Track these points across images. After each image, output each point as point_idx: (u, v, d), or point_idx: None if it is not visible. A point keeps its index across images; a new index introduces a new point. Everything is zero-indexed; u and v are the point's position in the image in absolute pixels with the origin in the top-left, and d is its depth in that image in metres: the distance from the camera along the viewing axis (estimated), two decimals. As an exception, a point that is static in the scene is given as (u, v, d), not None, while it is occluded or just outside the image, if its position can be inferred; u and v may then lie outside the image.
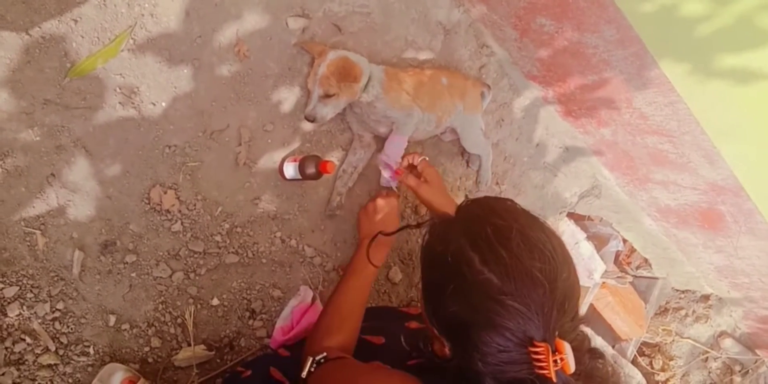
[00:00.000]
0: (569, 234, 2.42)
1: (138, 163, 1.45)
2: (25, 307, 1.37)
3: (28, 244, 1.36)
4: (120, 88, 1.39)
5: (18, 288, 1.36)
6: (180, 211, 1.51)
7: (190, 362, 1.54)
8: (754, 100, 1.52)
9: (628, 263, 2.70)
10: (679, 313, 2.79)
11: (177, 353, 1.53)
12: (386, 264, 1.89)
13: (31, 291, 1.37)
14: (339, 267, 1.78)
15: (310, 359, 1.18)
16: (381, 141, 1.72)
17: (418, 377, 1.01)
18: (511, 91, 2.06)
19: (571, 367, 0.88)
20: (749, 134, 1.64)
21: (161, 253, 1.51)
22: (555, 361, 0.86)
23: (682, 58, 1.53)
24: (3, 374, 1.34)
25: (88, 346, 1.44)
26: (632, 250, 2.68)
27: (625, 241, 2.59)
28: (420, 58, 1.82)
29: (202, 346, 1.56)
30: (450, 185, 2.02)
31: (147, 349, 1.51)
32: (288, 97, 1.61)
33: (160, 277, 1.51)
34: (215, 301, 1.59)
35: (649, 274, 2.70)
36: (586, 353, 0.99)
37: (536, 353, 0.87)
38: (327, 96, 1.52)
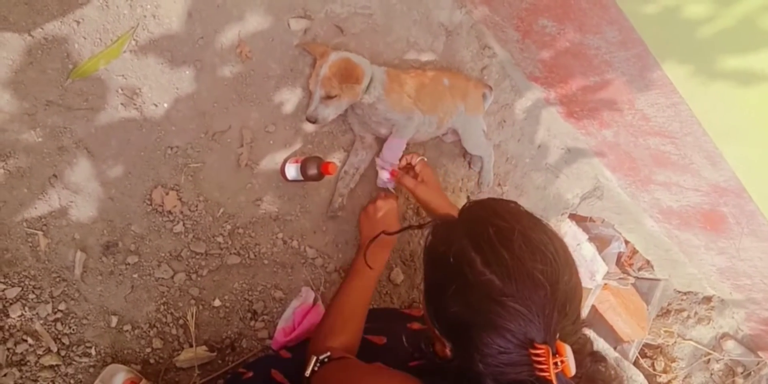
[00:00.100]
0: (571, 235, 2.42)
1: (140, 164, 1.45)
2: (27, 308, 1.37)
3: (30, 245, 1.37)
4: (122, 90, 1.40)
5: (20, 289, 1.36)
6: (182, 212, 1.51)
7: (191, 363, 1.54)
8: (757, 102, 1.51)
9: (630, 265, 2.70)
10: (681, 315, 2.79)
11: (179, 354, 1.53)
12: (388, 265, 1.89)
13: (33, 292, 1.38)
14: (341, 268, 1.78)
15: (314, 358, 1.18)
16: (382, 142, 1.72)
17: (420, 379, 1.01)
18: (512, 93, 2.06)
19: (572, 369, 0.88)
20: (751, 136, 1.63)
21: (163, 254, 1.51)
22: (555, 364, 0.86)
23: (684, 60, 1.53)
24: (5, 375, 1.34)
25: (90, 347, 1.44)
26: (634, 252, 2.68)
27: (627, 242, 2.58)
28: (422, 59, 1.82)
29: (204, 347, 1.56)
30: (452, 186, 2.02)
31: (149, 350, 1.51)
32: (290, 99, 1.61)
33: (162, 278, 1.51)
34: (217, 302, 1.59)
35: (651, 276, 2.70)
36: (587, 356, 0.99)
37: (537, 355, 0.87)
38: (329, 97, 1.52)
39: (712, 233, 2.16)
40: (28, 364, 1.37)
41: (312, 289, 1.71)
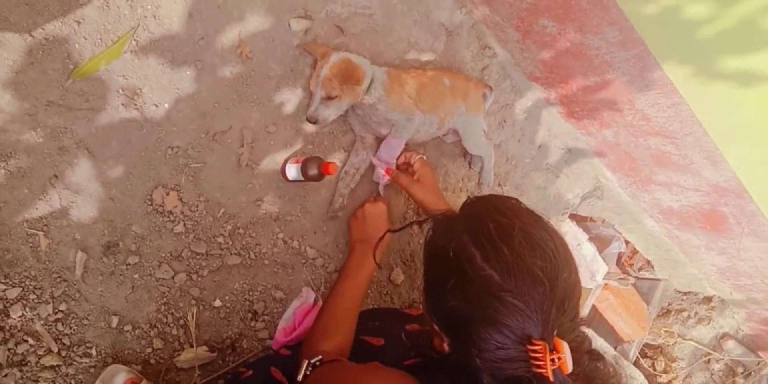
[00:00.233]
0: (571, 235, 2.42)
1: (140, 164, 1.45)
2: (27, 309, 1.37)
3: (31, 245, 1.37)
4: (123, 90, 1.40)
5: (21, 289, 1.36)
6: (182, 213, 1.51)
7: (192, 363, 1.54)
8: (757, 102, 1.51)
9: (631, 265, 2.70)
10: (682, 315, 2.79)
11: (179, 354, 1.53)
12: (388, 265, 1.89)
13: (34, 292, 1.38)
14: (341, 269, 1.78)
15: (306, 362, 1.18)
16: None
17: (415, 376, 1.01)
18: (513, 93, 2.06)
19: (569, 366, 0.88)
20: (752, 136, 1.63)
21: (164, 255, 1.51)
22: (552, 360, 0.87)
23: (685, 60, 1.53)
24: (6, 376, 1.34)
25: (91, 348, 1.44)
26: (634, 252, 2.68)
27: (627, 242, 2.58)
28: (422, 59, 1.82)
29: (205, 348, 1.56)
30: (452, 187, 2.02)
31: (149, 350, 1.51)
32: (290, 99, 1.61)
33: (163, 279, 1.51)
34: (217, 303, 1.59)
35: (651, 276, 2.70)
36: (585, 354, 0.99)
37: (534, 351, 0.87)
38: (329, 98, 1.52)
39: (713, 233, 2.16)
40: (29, 364, 1.37)
41: (312, 289, 1.71)
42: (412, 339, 1.30)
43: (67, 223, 1.40)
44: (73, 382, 1.42)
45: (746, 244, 2.10)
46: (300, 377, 1.17)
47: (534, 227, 0.98)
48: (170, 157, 1.48)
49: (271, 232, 1.65)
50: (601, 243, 2.46)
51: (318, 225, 1.73)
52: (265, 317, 1.66)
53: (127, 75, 1.39)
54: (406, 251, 1.92)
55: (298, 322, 1.61)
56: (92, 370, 1.44)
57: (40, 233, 1.37)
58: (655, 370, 2.73)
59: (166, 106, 1.45)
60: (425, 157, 1.72)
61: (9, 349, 1.36)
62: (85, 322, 1.44)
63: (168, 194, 1.49)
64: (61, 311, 1.41)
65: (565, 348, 0.88)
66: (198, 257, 1.55)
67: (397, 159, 1.72)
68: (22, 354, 1.37)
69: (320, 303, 1.68)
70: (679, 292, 2.80)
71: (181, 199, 1.51)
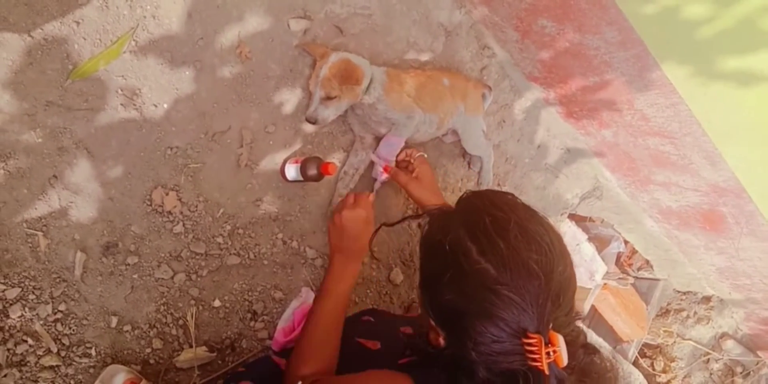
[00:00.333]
0: (571, 235, 2.42)
1: (140, 164, 1.45)
2: (27, 309, 1.37)
3: (30, 245, 1.37)
4: (122, 90, 1.40)
5: (20, 289, 1.36)
6: (182, 213, 1.51)
7: (191, 363, 1.54)
8: (756, 102, 1.52)
9: (630, 265, 2.70)
10: (681, 315, 2.79)
11: (178, 355, 1.53)
12: (388, 265, 1.89)
13: (33, 292, 1.37)
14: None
15: None
16: (382, 142, 1.72)
17: (410, 374, 1.01)
18: (512, 93, 2.06)
19: (564, 360, 0.88)
20: (751, 136, 1.64)
21: (163, 255, 1.51)
22: (548, 354, 0.87)
23: (684, 60, 1.53)
24: (5, 376, 1.34)
25: (90, 348, 1.44)
26: (633, 252, 2.68)
27: (626, 242, 2.59)
28: (421, 59, 1.83)
29: (204, 348, 1.56)
30: (451, 187, 2.02)
31: (149, 350, 1.51)
32: (290, 99, 1.61)
33: (162, 279, 1.51)
34: (217, 303, 1.59)
35: (650, 276, 2.70)
36: (580, 348, 0.99)
37: (529, 345, 0.88)
38: (329, 98, 1.52)
39: (712, 233, 2.17)
40: (28, 364, 1.37)
41: (312, 289, 1.71)
42: (407, 338, 1.30)
43: (67, 224, 1.40)
44: (72, 382, 1.42)
45: (745, 243, 2.10)
46: None
47: (530, 221, 0.99)
48: (169, 157, 1.48)
49: (270, 232, 1.65)
50: (600, 243, 2.46)
51: (317, 225, 1.74)
52: (265, 317, 1.66)
53: (126, 75, 1.39)
54: (405, 251, 1.93)
55: (298, 322, 1.61)
56: (91, 371, 1.44)
57: (40, 233, 1.37)
58: (654, 369, 2.73)
59: (165, 106, 1.45)
60: (425, 155, 1.72)
61: (8, 350, 1.35)
62: (85, 322, 1.44)
63: (167, 194, 1.49)
64: (61, 311, 1.41)
65: (560, 341, 0.89)
66: (197, 257, 1.55)
67: (397, 156, 1.71)
68: (22, 354, 1.36)
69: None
70: (678, 291, 2.80)
71: (180, 200, 1.51)
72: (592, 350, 1.02)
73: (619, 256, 2.59)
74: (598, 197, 2.40)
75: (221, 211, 1.57)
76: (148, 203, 1.47)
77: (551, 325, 0.92)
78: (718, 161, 1.75)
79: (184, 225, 1.52)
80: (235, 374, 1.45)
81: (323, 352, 1.29)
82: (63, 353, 1.41)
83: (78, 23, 1.32)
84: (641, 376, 2.51)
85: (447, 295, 0.95)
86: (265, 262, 1.65)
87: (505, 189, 2.17)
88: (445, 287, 0.95)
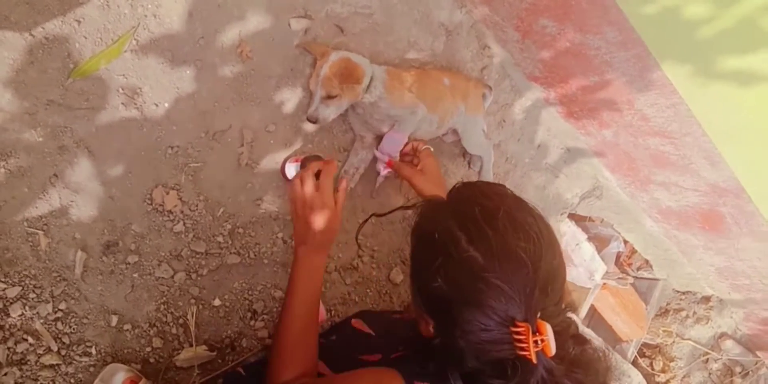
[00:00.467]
0: (570, 235, 2.42)
1: (140, 163, 1.45)
2: (27, 308, 1.37)
3: (31, 244, 1.37)
4: (123, 89, 1.40)
5: (20, 288, 1.36)
6: (182, 212, 1.51)
7: (191, 363, 1.54)
8: (756, 102, 1.52)
9: (629, 264, 2.70)
10: (680, 315, 2.79)
11: (179, 354, 1.53)
12: (387, 265, 1.89)
13: (34, 291, 1.38)
14: (340, 268, 1.78)
15: None
16: (383, 142, 1.72)
17: (400, 367, 1.02)
18: (512, 93, 2.06)
19: (552, 349, 0.89)
20: (751, 136, 1.64)
21: (163, 254, 1.51)
22: (536, 342, 0.87)
23: (684, 60, 1.53)
24: (5, 374, 1.34)
25: (90, 347, 1.44)
26: (633, 252, 2.68)
27: (626, 242, 2.58)
28: (422, 59, 1.83)
29: (204, 347, 1.56)
30: (452, 186, 2.02)
31: (149, 349, 1.51)
32: (290, 98, 1.62)
33: (162, 278, 1.51)
34: (217, 302, 1.59)
35: (649, 276, 2.70)
36: (570, 338, 1.00)
37: (517, 333, 0.88)
38: (329, 97, 1.52)
39: (711, 233, 2.17)
40: (29, 363, 1.37)
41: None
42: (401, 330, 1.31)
43: (67, 222, 1.40)
44: (72, 380, 1.42)
45: (744, 244, 2.11)
46: None
47: (519, 211, 1.00)
48: (170, 156, 1.48)
49: (270, 231, 1.66)
50: (599, 242, 2.46)
51: (317, 224, 1.73)
52: (265, 316, 1.66)
53: (127, 74, 1.39)
54: (405, 250, 1.93)
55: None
56: (92, 369, 1.44)
57: (40, 232, 1.37)
58: (653, 369, 2.73)
59: (166, 105, 1.45)
60: (431, 149, 1.71)
61: (9, 348, 1.36)
62: (85, 321, 1.44)
63: (168, 193, 1.49)
64: (61, 310, 1.41)
65: (548, 330, 0.89)
66: (197, 256, 1.55)
67: (402, 150, 1.71)
68: (22, 353, 1.37)
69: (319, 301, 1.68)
70: (678, 291, 2.80)
71: (180, 199, 1.51)
72: (582, 341, 1.02)
73: (618, 255, 2.59)
74: (597, 197, 2.40)
75: (222, 210, 1.57)
76: (149, 202, 1.47)
77: (540, 315, 0.92)
78: (718, 161, 1.75)
79: (184, 224, 1.52)
80: (233, 373, 1.46)
81: (302, 353, 1.25)
82: (63, 352, 1.41)
83: (79, 22, 1.32)
84: (640, 376, 2.51)
85: (436, 284, 0.96)
86: (266, 261, 1.65)
87: (505, 188, 2.17)
88: (435, 275, 0.96)
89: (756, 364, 2.80)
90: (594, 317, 2.65)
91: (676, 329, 2.80)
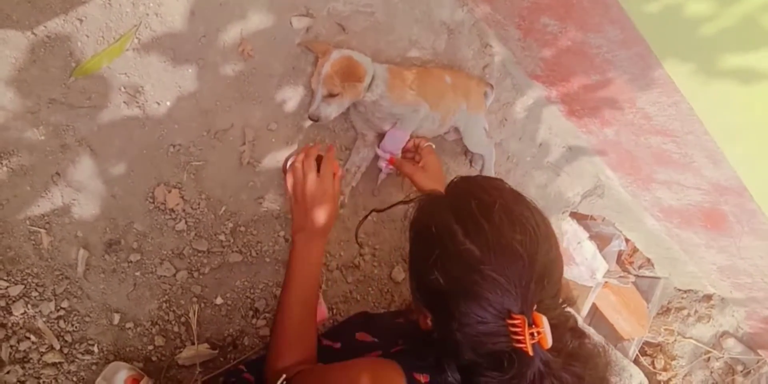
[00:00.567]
0: (572, 234, 2.42)
1: (142, 162, 1.45)
2: (29, 306, 1.37)
3: (33, 242, 1.37)
4: (125, 88, 1.40)
5: (23, 286, 1.36)
6: (184, 210, 1.52)
7: (193, 361, 1.54)
8: (759, 101, 1.52)
9: (631, 263, 2.70)
10: (682, 313, 2.79)
11: (181, 352, 1.54)
12: (389, 263, 1.90)
13: (36, 289, 1.38)
14: (342, 266, 1.79)
15: None
16: (385, 140, 1.72)
17: (399, 360, 1.02)
18: (514, 91, 2.06)
19: (548, 341, 0.89)
20: (753, 135, 1.64)
21: (165, 252, 1.51)
22: (532, 335, 0.88)
23: (686, 59, 1.53)
24: (8, 372, 1.35)
25: (93, 345, 1.44)
26: (634, 250, 2.68)
27: (627, 240, 2.58)
28: (423, 57, 1.82)
29: (206, 345, 1.57)
30: (452, 184, 2.02)
31: (151, 347, 1.51)
32: (292, 97, 1.62)
33: (164, 276, 1.51)
34: (219, 300, 1.59)
35: (651, 274, 2.70)
36: (567, 331, 1.00)
37: (513, 325, 0.89)
38: (331, 95, 1.52)
39: (713, 232, 2.17)
40: (31, 361, 1.38)
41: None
42: (400, 329, 1.31)
43: (69, 221, 1.40)
44: (74, 379, 1.42)
45: (746, 242, 2.10)
46: None
47: (515, 204, 1.01)
48: (172, 154, 1.48)
49: (272, 229, 1.66)
50: (601, 241, 2.46)
51: (319, 223, 1.74)
52: (267, 314, 1.66)
53: (129, 73, 1.39)
54: (407, 248, 1.92)
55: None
56: (94, 368, 1.44)
57: (42, 231, 1.37)
58: (654, 368, 2.73)
59: (167, 103, 1.45)
60: (433, 146, 1.71)
61: (11, 347, 1.36)
62: (87, 319, 1.44)
63: (170, 192, 1.49)
64: (63, 309, 1.41)
65: (544, 322, 0.90)
66: (199, 255, 1.55)
67: (404, 147, 1.71)
68: (24, 351, 1.37)
69: (321, 300, 1.68)
70: (679, 290, 2.80)
71: (182, 197, 1.51)
72: (580, 334, 1.03)
73: (620, 254, 2.59)
74: (599, 195, 2.40)
75: (223, 208, 1.57)
76: (151, 201, 1.48)
77: (536, 308, 0.93)
78: (720, 160, 1.75)
79: (186, 222, 1.52)
80: (235, 371, 1.46)
81: (300, 341, 1.27)
82: (65, 350, 1.41)
83: (81, 21, 1.32)
84: (641, 374, 2.51)
85: (433, 277, 0.96)
86: (267, 259, 1.65)
87: (506, 187, 2.17)
88: (432, 268, 0.97)
89: (758, 362, 2.80)
90: (595, 316, 2.65)
91: (678, 328, 2.80)
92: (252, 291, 1.64)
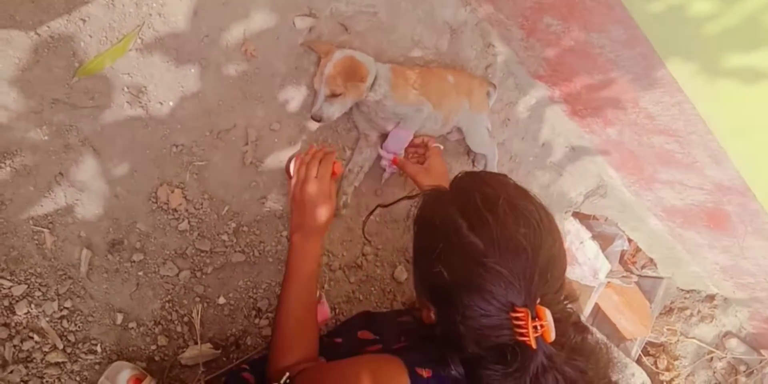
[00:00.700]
0: (574, 233, 2.42)
1: (145, 162, 1.46)
2: (33, 306, 1.38)
3: (36, 242, 1.37)
4: (128, 88, 1.40)
5: (26, 286, 1.37)
6: (187, 210, 1.52)
7: (196, 360, 1.54)
8: (762, 100, 1.51)
9: (633, 263, 2.70)
10: (684, 313, 2.79)
11: (183, 351, 1.54)
12: (391, 263, 1.90)
13: (39, 289, 1.38)
14: (344, 266, 1.79)
15: None
16: (387, 140, 1.72)
17: (402, 355, 1.02)
18: (517, 91, 2.06)
19: (552, 334, 0.90)
20: (756, 134, 1.64)
21: (168, 252, 1.52)
22: (535, 328, 0.88)
23: (688, 58, 1.53)
24: (11, 372, 1.35)
25: (96, 344, 1.45)
26: (637, 250, 2.68)
27: (630, 240, 2.58)
28: (426, 57, 1.82)
29: (209, 345, 1.57)
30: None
31: (154, 347, 1.52)
32: (295, 97, 1.62)
33: (167, 276, 1.52)
34: (222, 300, 1.59)
35: (654, 274, 2.70)
36: (570, 326, 1.00)
37: (516, 319, 0.89)
38: (333, 95, 1.52)
39: (716, 232, 2.17)
40: (34, 361, 1.38)
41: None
42: (403, 326, 1.31)
43: (72, 221, 1.40)
44: (78, 378, 1.43)
45: (749, 242, 2.10)
46: None
47: (519, 198, 1.01)
48: (175, 154, 1.48)
49: (275, 229, 1.66)
50: (604, 241, 2.46)
51: (322, 223, 1.74)
52: (269, 314, 1.67)
53: (132, 73, 1.40)
54: (409, 249, 1.92)
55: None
56: (97, 367, 1.44)
57: (46, 230, 1.38)
58: (657, 368, 2.73)
59: (170, 104, 1.45)
60: (441, 147, 1.70)
61: (15, 346, 1.36)
62: (90, 319, 1.44)
63: (172, 192, 1.49)
64: (67, 308, 1.41)
65: (547, 315, 0.90)
66: (202, 255, 1.55)
67: (412, 141, 1.70)
68: (28, 351, 1.37)
69: (324, 300, 1.68)
70: (682, 290, 2.80)
71: (185, 197, 1.51)
72: (583, 329, 1.03)
73: (622, 254, 2.59)
74: (602, 195, 2.40)
75: (226, 208, 1.57)
76: (154, 201, 1.48)
77: (539, 301, 0.93)
78: (723, 160, 1.75)
79: (189, 222, 1.52)
80: (238, 371, 1.46)
81: (301, 339, 1.27)
82: (69, 350, 1.42)
83: (84, 21, 1.32)
84: (644, 374, 2.51)
85: (437, 271, 0.96)
86: (270, 259, 1.65)
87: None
88: (436, 262, 0.97)
89: (761, 362, 2.80)
90: (598, 316, 2.65)
91: (681, 328, 2.79)
92: (255, 291, 1.64)
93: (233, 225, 1.59)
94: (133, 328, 1.49)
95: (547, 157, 2.23)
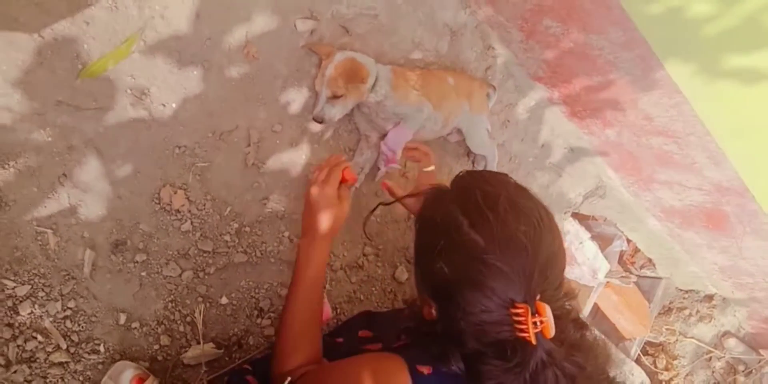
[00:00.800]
0: (574, 234, 2.43)
1: (148, 163, 1.46)
2: (36, 306, 1.38)
3: (40, 243, 1.38)
4: (131, 90, 1.41)
5: (30, 287, 1.37)
6: (189, 211, 1.53)
7: (198, 360, 1.55)
8: (760, 101, 1.52)
9: (632, 263, 2.71)
10: (683, 313, 2.80)
11: (186, 351, 1.55)
12: (392, 263, 1.90)
13: (43, 290, 1.39)
14: (346, 266, 1.80)
15: None
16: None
17: (403, 353, 1.03)
18: (516, 92, 2.07)
19: (551, 330, 0.91)
20: (754, 135, 1.65)
21: (171, 253, 1.52)
22: (535, 324, 0.89)
23: (687, 60, 1.54)
24: (15, 372, 1.35)
25: (99, 344, 1.45)
26: (636, 250, 2.69)
27: (629, 241, 2.59)
28: (426, 59, 1.83)
29: (211, 344, 1.58)
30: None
31: (156, 347, 1.52)
32: (296, 98, 1.63)
33: (170, 276, 1.52)
34: (224, 300, 1.60)
35: (653, 274, 2.71)
36: (570, 322, 1.01)
37: (516, 315, 0.90)
38: (335, 97, 1.53)
39: (715, 232, 2.18)
40: (38, 361, 1.38)
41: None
42: (403, 322, 1.31)
43: (76, 222, 1.41)
44: (81, 378, 1.43)
45: (748, 242, 2.11)
46: None
47: (520, 197, 1.02)
48: (177, 156, 1.49)
49: (277, 230, 1.67)
50: (603, 241, 2.47)
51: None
52: (271, 314, 1.67)
53: (135, 75, 1.40)
54: (410, 249, 1.94)
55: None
56: (100, 367, 1.45)
57: (49, 231, 1.38)
58: (656, 367, 2.74)
59: (173, 105, 1.46)
60: (434, 169, 1.64)
61: (18, 346, 1.37)
62: (94, 319, 1.45)
63: (175, 193, 1.50)
64: (70, 308, 1.42)
65: (547, 311, 0.91)
66: (205, 255, 1.56)
67: (406, 148, 1.70)
68: (31, 351, 1.38)
69: (325, 300, 1.69)
70: (681, 290, 2.81)
71: (188, 198, 1.52)
72: (582, 325, 1.04)
73: (621, 254, 2.60)
74: (601, 196, 2.41)
75: (228, 209, 1.58)
76: (157, 201, 1.49)
77: (539, 298, 0.94)
78: (722, 160, 1.76)
79: (191, 223, 1.53)
80: (240, 370, 1.47)
81: (305, 343, 1.26)
82: (72, 350, 1.42)
83: (87, 23, 1.33)
84: (643, 374, 2.52)
85: (438, 267, 0.97)
86: (272, 259, 1.66)
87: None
88: (437, 258, 0.98)
89: (759, 362, 2.81)
90: (597, 315, 2.66)
91: (680, 328, 2.80)
92: (257, 291, 1.65)
93: (235, 226, 1.60)
94: (136, 328, 1.50)
95: (546, 158, 2.24)
